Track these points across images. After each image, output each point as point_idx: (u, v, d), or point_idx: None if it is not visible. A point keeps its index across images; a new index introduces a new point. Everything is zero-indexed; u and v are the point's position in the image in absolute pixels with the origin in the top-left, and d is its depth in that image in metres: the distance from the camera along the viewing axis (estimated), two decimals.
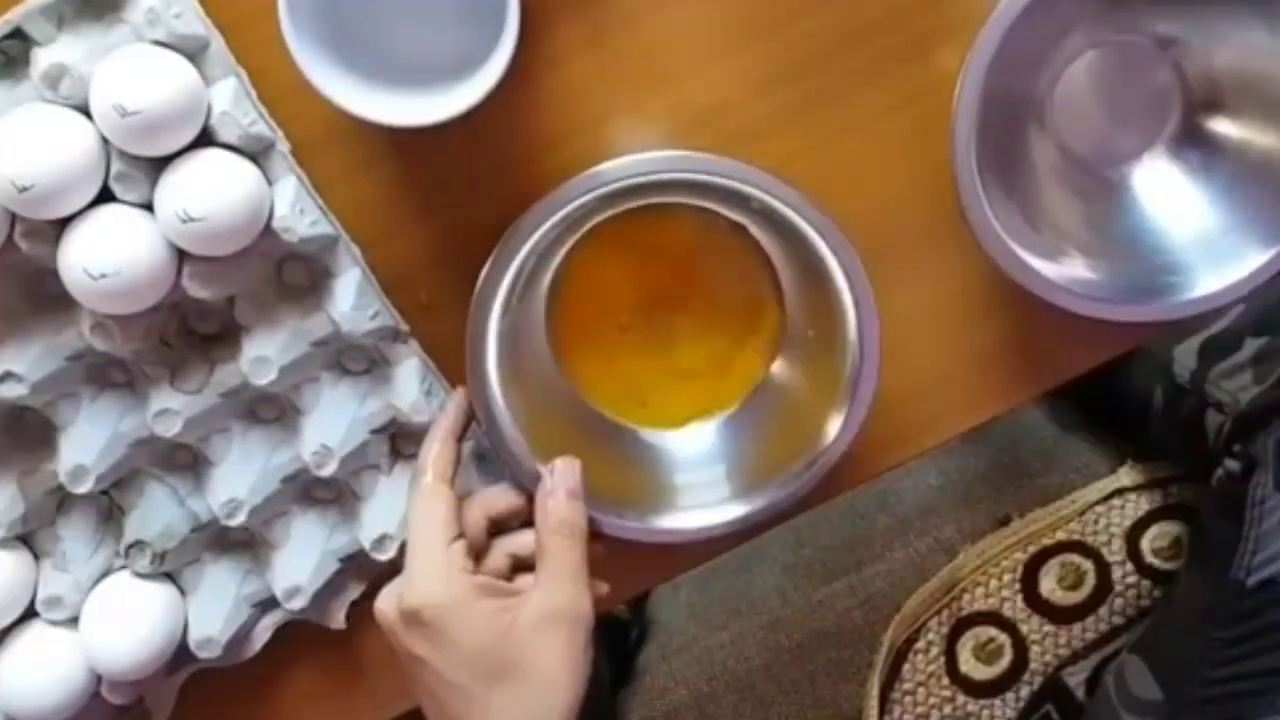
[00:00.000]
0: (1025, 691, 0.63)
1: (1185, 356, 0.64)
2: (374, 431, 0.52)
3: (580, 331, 0.55)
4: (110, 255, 0.48)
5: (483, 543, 0.50)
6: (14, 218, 0.49)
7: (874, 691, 0.62)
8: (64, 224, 0.49)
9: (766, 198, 0.49)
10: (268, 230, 0.50)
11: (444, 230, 0.53)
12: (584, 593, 0.47)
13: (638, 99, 0.52)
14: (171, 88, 0.48)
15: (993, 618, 0.64)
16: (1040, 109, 0.52)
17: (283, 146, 0.50)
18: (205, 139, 0.49)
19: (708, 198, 0.51)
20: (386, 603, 0.47)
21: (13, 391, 0.50)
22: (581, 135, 0.52)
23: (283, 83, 0.48)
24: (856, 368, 0.50)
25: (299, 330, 0.51)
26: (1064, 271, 0.49)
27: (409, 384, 0.52)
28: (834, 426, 0.51)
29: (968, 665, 0.63)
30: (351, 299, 0.51)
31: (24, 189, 0.47)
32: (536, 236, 0.49)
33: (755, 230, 0.53)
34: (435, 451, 0.50)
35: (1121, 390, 0.70)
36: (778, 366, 0.56)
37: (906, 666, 0.63)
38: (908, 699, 0.63)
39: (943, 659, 0.63)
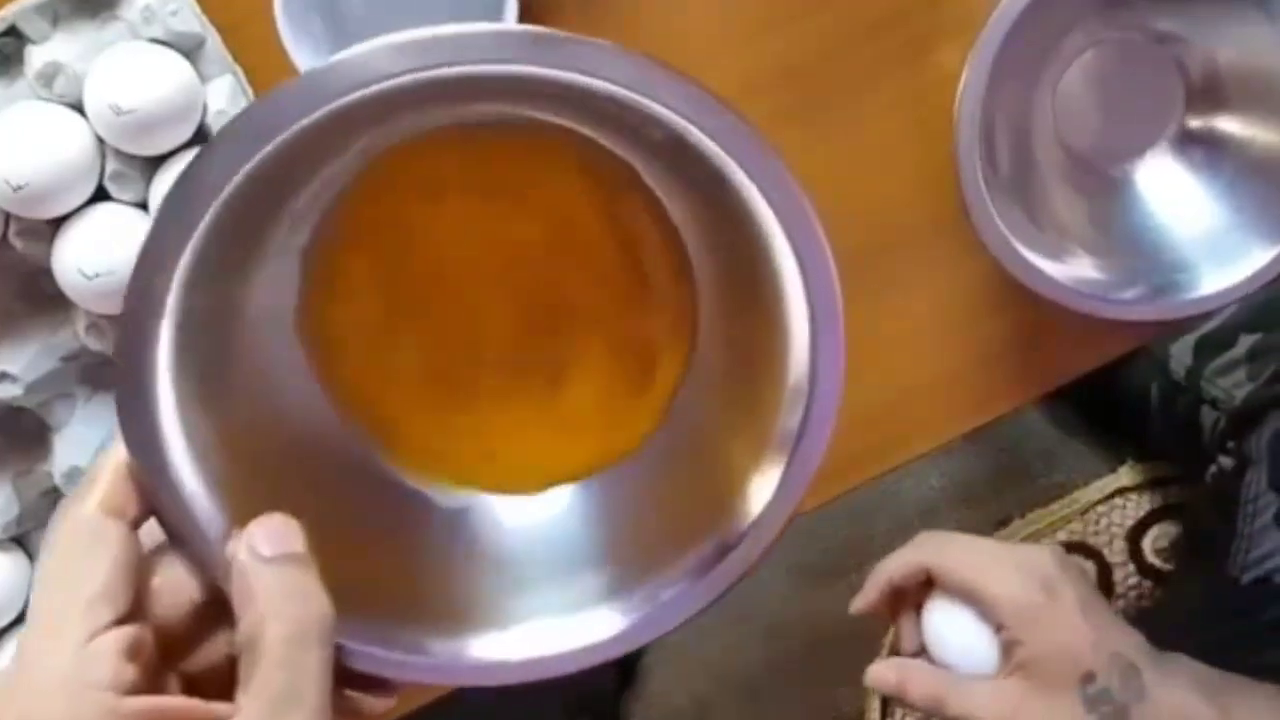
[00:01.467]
0: None
1: (1181, 353, 0.64)
2: None
3: (355, 327, 0.34)
4: (105, 255, 0.48)
5: (182, 628, 0.31)
6: (8, 217, 0.49)
7: (876, 694, 0.62)
8: (59, 223, 0.48)
9: (666, 113, 0.30)
10: None
11: None
12: (318, 710, 0.28)
13: None
14: (167, 86, 0.48)
15: None
16: (1042, 107, 0.52)
17: None
18: (202, 138, 0.49)
19: (562, 110, 0.32)
20: None
21: (7, 392, 0.50)
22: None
23: (280, 79, 0.47)
24: (804, 405, 0.31)
25: None
26: (1068, 270, 0.49)
27: None
28: (762, 489, 0.33)
29: None
30: None
31: (18, 188, 0.47)
32: (257, 161, 0.29)
33: (653, 181, 0.34)
34: (115, 462, 0.30)
35: (1119, 389, 0.70)
36: (684, 397, 0.36)
37: None
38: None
39: None
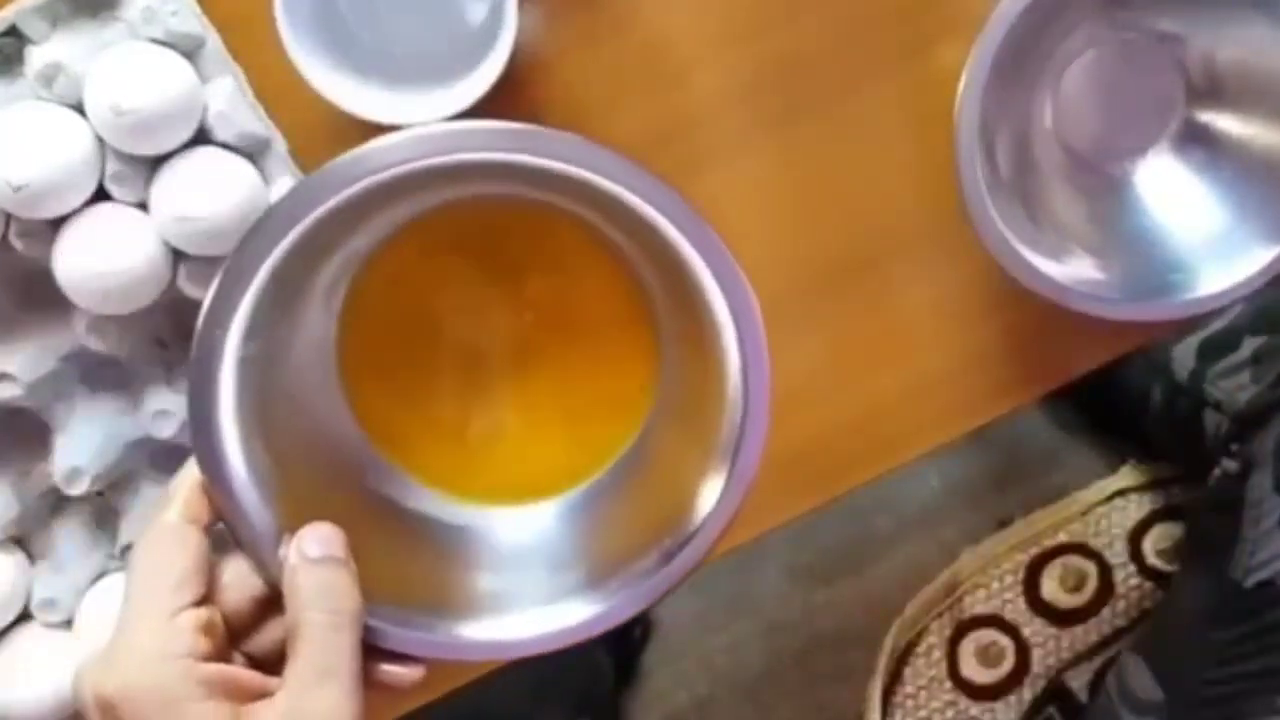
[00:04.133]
0: (1028, 694, 0.63)
1: (1184, 355, 0.64)
2: None
3: (381, 369, 0.42)
4: (106, 255, 0.48)
5: (246, 616, 0.38)
6: (8, 217, 0.49)
7: (876, 695, 0.62)
8: (59, 223, 0.48)
9: (605, 183, 0.37)
10: None
11: None
12: (349, 697, 0.34)
13: (635, 98, 0.52)
14: (167, 86, 0.48)
15: (994, 620, 0.64)
16: (1042, 106, 0.52)
17: (279, 145, 0.50)
18: (201, 138, 0.49)
19: (541, 187, 0.39)
20: (86, 678, 0.35)
21: (7, 392, 0.50)
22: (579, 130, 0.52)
23: (279, 80, 0.48)
24: (738, 410, 0.38)
25: None
26: (1068, 271, 0.49)
27: None
28: (708, 499, 0.40)
29: (970, 668, 0.63)
30: None
31: (19, 188, 0.47)
32: (298, 232, 0.37)
33: (615, 234, 0.41)
34: (191, 479, 0.37)
35: (1120, 390, 0.70)
36: (647, 424, 0.44)
37: (908, 670, 0.63)
38: (909, 702, 0.63)
39: (944, 662, 0.63)
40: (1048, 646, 0.63)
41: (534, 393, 0.44)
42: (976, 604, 0.63)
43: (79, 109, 0.48)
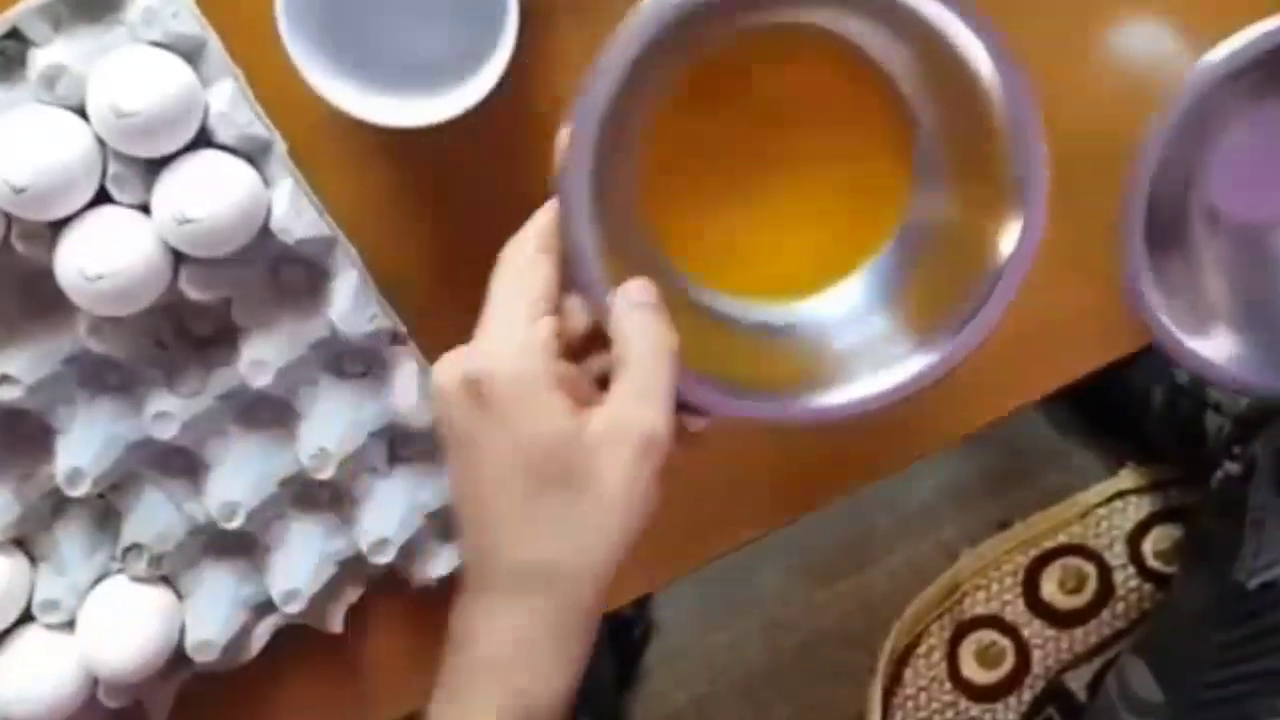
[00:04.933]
0: (1028, 695, 0.63)
1: None
2: (372, 434, 0.52)
3: (679, 196, 0.47)
4: (107, 257, 0.48)
5: (578, 345, 0.43)
6: (10, 219, 0.49)
7: (876, 695, 0.62)
8: (60, 225, 0.49)
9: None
10: (265, 232, 0.49)
11: (442, 231, 0.53)
12: (664, 416, 0.39)
13: None
14: (168, 89, 0.48)
15: (994, 621, 0.64)
16: (1204, 167, 0.50)
17: (280, 148, 0.50)
18: (202, 140, 0.49)
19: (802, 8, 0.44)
20: (446, 368, 0.40)
21: (9, 394, 0.50)
22: None
23: (280, 81, 0.48)
24: (1022, 164, 0.42)
25: (297, 332, 0.51)
26: (1210, 345, 0.47)
27: (407, 387, 0.52)
28: (1007, 239, 0.43)
29: (970, 669, 0.63)
30: (350, 301, 0.50)
31: (20, 190, 0.47)
32: (632, 54, 0.40)
33: (866, 37, 0.45)
34: (544, 221, 0.42)
35: (1120, 391, 0.70)
36: (918, 200, 0.47)
37: (908, 671, 0.63)
38: (910, 703, 0.63)
39: (945, 663, 0.63)
40: (1047, 648, 0.63)
41: (804, 195, 0.48)
42: (976, 605, 0.63)
43: (80, 111, 0.48)
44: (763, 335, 0.48)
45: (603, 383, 0.41)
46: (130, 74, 0.48)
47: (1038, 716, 0.63)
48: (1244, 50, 0.44)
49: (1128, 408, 0.69)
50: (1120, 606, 0.63)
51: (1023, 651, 0.63)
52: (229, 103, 0.49)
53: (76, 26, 0.49)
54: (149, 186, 0.49)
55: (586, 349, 0.42)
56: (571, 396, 0.39)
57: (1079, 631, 0.63)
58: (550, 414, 0.39)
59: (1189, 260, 0.50)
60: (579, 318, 0.42)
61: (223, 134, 0.49)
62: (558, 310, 0.41)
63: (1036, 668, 0.63)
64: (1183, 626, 0.58)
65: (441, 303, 0.52)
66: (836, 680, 0.66)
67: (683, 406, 0.42)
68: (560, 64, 0.51)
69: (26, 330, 0.51)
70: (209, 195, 0.48)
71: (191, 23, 0.49)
